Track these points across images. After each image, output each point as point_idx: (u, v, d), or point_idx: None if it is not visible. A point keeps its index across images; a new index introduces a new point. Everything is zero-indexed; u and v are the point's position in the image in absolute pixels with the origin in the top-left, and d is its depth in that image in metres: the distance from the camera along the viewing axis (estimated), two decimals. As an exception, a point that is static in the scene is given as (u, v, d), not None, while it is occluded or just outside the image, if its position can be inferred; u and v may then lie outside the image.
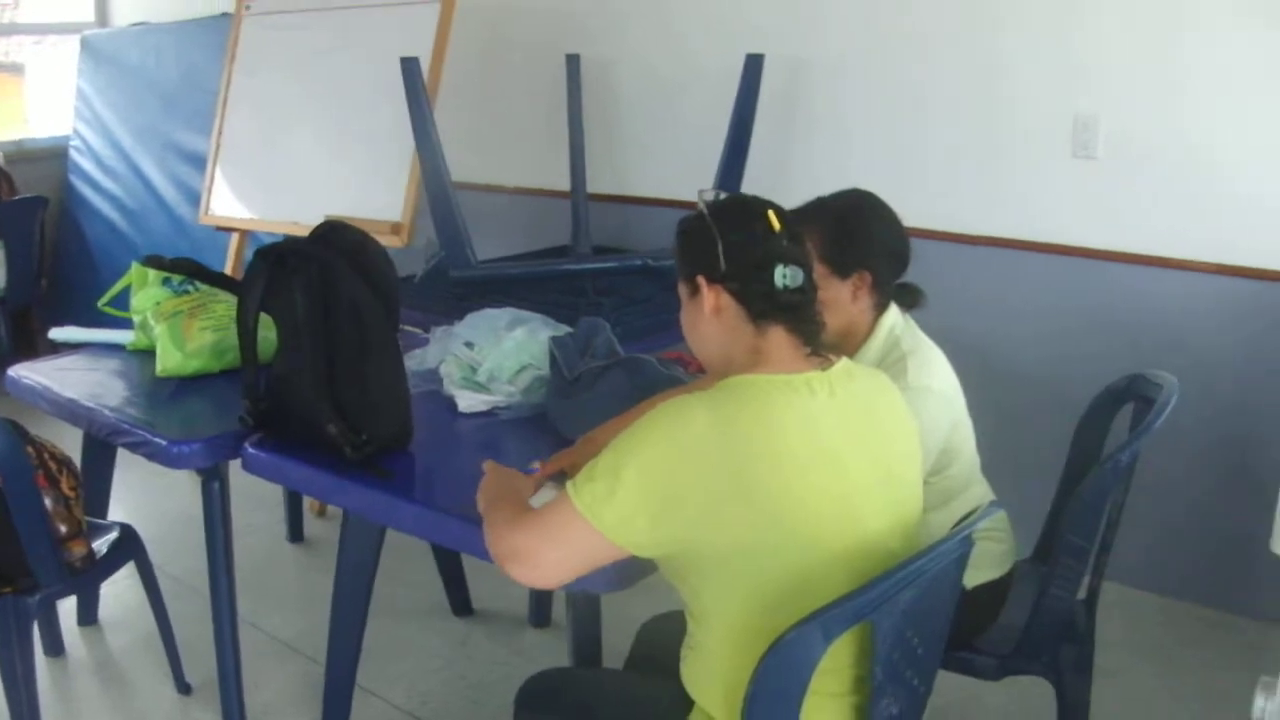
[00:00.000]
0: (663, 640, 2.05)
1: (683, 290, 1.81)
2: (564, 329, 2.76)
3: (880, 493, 1.73)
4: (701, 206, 1.77)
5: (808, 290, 1.74)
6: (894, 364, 2.16)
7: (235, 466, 2.54)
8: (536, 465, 2.08)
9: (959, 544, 1.74)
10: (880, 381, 1.84)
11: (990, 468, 2.39)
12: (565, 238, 4.34)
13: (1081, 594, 2.38)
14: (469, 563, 3.41)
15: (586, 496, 1.62)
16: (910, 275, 2.31)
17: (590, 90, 4.39)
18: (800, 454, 1.64)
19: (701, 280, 1.74)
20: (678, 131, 4.35)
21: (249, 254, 4.45)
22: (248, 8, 4.79)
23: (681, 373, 2.49)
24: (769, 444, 1.62)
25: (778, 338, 1.72)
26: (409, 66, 3.72)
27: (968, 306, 3.55)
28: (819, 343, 1.75)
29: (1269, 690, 1.11)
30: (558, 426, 2.45)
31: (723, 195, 1.84)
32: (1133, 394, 2.46)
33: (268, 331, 2.47)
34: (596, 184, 4.39)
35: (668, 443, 1.61)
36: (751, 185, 3.87)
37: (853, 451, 1.70)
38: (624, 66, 4.45)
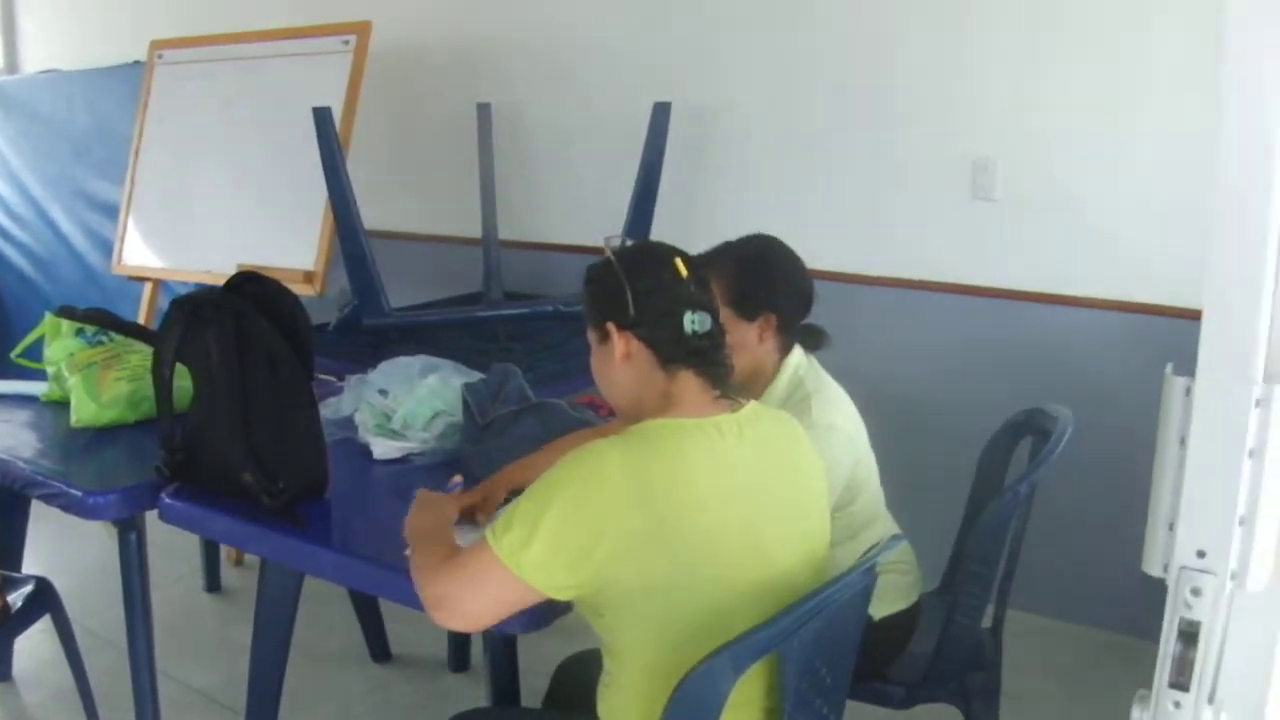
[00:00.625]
0: (579, 678, 2.08)
1: (592, 336, 1.84)
2: (476, 375, 2.78)
3: (789, 529, 1.77)
4: (609, 254, 1.81)
5: (715, 335, 1.78)
6: (799, 403, 2.20)
7: (151, 517, 2.53)
8: (458, 479, 2.11)
9: (863, 575, 1.80)
10: (787, 422, 1.89)
11: (896, 503, 2.45)
12: (477, 284, 4.36)
13: (987, 622, 2.45)
14: (387, 608, 3.41)
15: (505, 545, 1.64)
16: (816, 316, 2.36)
17: (501, 138, 4.43)
18: (711, 494, 1.68)
19: (611, 327, 1.77)
20: (588, 178, 4.40)
21: (162, 304, 4.43)
22: (160, 56, 4.78)
23: (593, 416, 2.53)
24: (680, 485, 1.66)
25: (687, 382, 1.76)
26: (321, 115, 3.72)
27: (873, 345, 3.62)
28: (728, 386, 1.79)
29: (1144, 702, 1.18)
30: (471, 471, 2.47)
31: (629, 242, 1.88)
32: (1031, 427, 2.53)
33: (183, 381, 2.47)
34: (508, 231, 4.42)
35: (582, 488, 1.65)
36: (660, 230, 3.93)
37: (761, 490, 1.75)
38: (534, 115, 4.50)
